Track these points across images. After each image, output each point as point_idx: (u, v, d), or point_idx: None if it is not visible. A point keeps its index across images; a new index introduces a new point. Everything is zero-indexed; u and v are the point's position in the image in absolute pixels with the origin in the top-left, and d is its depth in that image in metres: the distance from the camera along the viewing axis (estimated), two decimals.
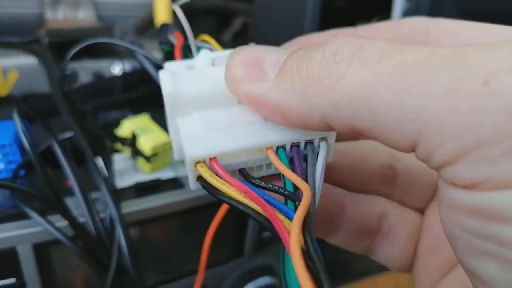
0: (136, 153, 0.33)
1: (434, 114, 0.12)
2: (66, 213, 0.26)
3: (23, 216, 0.27)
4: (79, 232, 0.26)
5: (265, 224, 0.15)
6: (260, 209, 0.16)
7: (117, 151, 0.35)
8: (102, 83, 0.41)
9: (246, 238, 0.37)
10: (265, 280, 0.39)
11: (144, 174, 0.33)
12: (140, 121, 0.34)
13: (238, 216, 0.36)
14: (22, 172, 0.31)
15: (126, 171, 0.33)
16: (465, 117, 0.12)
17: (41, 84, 0.40)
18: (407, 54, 0.13)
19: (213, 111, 0.19)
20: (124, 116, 0.36)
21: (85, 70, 0.41)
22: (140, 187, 0.31)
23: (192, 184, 0.18)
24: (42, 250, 0.28)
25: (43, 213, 0.27)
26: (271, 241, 0.39)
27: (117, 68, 0.42)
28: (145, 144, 0.32)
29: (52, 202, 0.26)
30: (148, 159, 0.32)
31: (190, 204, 0.32)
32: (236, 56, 0.17)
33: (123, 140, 0.33)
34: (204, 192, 0.19)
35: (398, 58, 0.13)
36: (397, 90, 0.13)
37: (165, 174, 0.33)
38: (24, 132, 0.26)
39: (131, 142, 0.33)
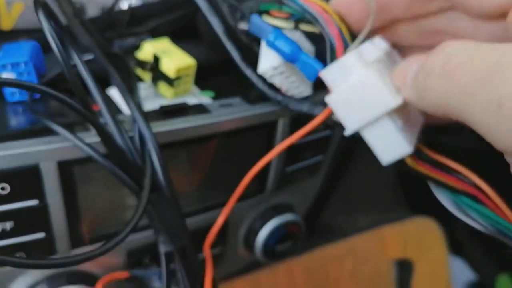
0: (158, 77, 0.31)
1: None
2: (100, 128, 0.24)
3: (45, 132, 0.26)
4: (112, 149, 0.25)
5: None
6: None
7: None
8: (111, 16, 0.38)
9: (269, 174, 0.36)
10: (288, 216, 0.38)
11: (167, 99, 0.32)
12: (161, 44, 0.32)
13: (264, 150, 0.35)
14: (37, 95, 0.29)
15: (148, 98, 0.32)
16: None
17: None
18: None
19: None
20: (141, 41, 0.34)
21: (92, 4, 0.39)
22: (165, 110, 0.29)
23: None
24: (66, 169, 0.26)
25: (70, 129, 0.25)
26: (294, 177, 0.38)
27: (125, 3, 0.40)
28: (169, 65, 0.30)
29: (89, 116, 0.24)
30: (171, 82, 0.31)
31: (216, 128, 0.30)
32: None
33: (144, 64, 0.31)
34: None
35: None
36: None
37: (190, 99, 0.32)
38: (51, 30, 0.24)
39: (152, 66, 0.31)
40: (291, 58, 0.24)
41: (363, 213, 0.64)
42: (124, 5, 0.40)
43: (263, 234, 0.38)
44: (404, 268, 0.64)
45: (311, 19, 0.23)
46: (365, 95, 0.20)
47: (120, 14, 0.39)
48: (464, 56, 0.16)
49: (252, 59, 0.29)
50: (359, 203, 0.67)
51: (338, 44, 0.22)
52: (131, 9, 0.39)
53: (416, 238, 0.64)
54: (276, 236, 0.38)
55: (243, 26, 0.28)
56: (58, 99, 0.24)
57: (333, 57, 0.22)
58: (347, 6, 0.22)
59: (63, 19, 0.29)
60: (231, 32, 0.29)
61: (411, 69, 0.19)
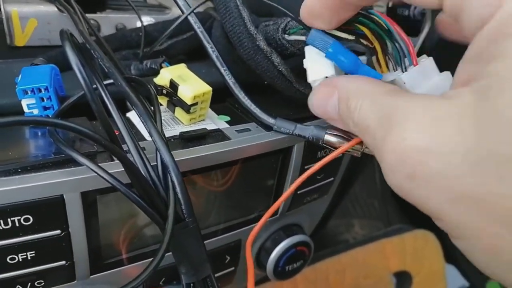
0: (175, 103, 0.31)
1: None
2: (123, 158, 0.24)
3: (69, 162, 0.26)
4: (135, 179, 0.25)
5: None
6: None
7: None
8: (125, 34, 0.38)
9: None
10: (298, 238, 0.39)
11: (184, 125, 0.32)
12: (178, 70, 0.32)
13: (278, 173, 0.35)
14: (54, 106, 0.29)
15: (165, 123, 0.32)
16: None
17: None
18: None
19: None
20: (158, 65, 0.34)
21: (106, 22, 0.39)
22: (186, 137, 0.30)
23: None
24: (90, 199, 0.26)
25: (92, 159, 0.25)
26: (305, 199, 0.38)
27: (138, 22, 0.39)
28: (186, 92, 0.30)
29: (111, 147, 0.24)
30: (188, 108, 0.31)
31: (236, 155, 0.31)
32: None
33: (160, 89, 0.31)
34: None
35: None
36: None
37: (207, 125, 0.32)
38: (78, 64, 0.24)
39: (169, 91, 0.31)
40: (351, 69, 0.24)
41: (363, 226, 0.65)
42: (138, 24, 0.40)
43: (274, 255, 0.38)
44: (403, 280, 0.65)
45: (380, 31, 0.23)
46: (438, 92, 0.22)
47: (134, 32, 0.39)
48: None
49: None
50: (358, 217, 0.68)
51: (412, 52, 0.23)
52: (145, 27, 0.39)
53: (415, 250, 0.65)
54: (287, 256, 0.39)
55: (291, 37, 0.29)
56: (81, 132, 0.24)
57: (403, 65, 0.24)
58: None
59: (80, 39, 0.29)
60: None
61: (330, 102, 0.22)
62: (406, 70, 0.23)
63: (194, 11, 0.33)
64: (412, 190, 0.16)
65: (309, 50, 0.26)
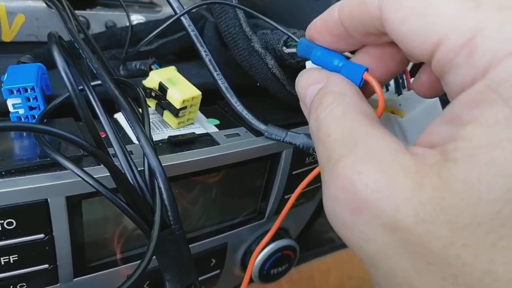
0: (163, 106, 0.31)
1: None
2: (109, 164, 0.24)
3: (54, 166, 0.25)
4: (122, 185, 0.24)
5: None
6: None
7: None
8: (114, 33, 0.38)
9: (269, 201, 0.37)
10: (284, 242, 0.39)
11: (172, 129, 0.31)
12: (167, 73, 0.32)
13: (266, 178, 0.35)
14: (44, 121, 0.29)
15: (153, 125, 0.31)
16: None
17: (50, 31, 0.36)
18: None
19: None
20: (147, 66, 0.33)
21: (96, 20, 0.39)
22: (174, 142, 0.29)
23: None
24: (74, 203, 0.26)
25: (78, 163, 0.25)
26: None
27: (129, 19, 0.39)
28: (175, 96, 0.30)
29: (97, 153, 0.24)
30: (176, 113, 0.30)
31: (225, 161, 0.30)
32: None
33: (149, 92, 0.31)
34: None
35: None
36: None
37: (196, 128, 0.32)
38: (65, 69, 0.23)
39: (158, 94, 0.31)
40: (336, 69, 0.24)
41: None
42: (127, 22, 0.40)
43: (260, 259, 0.38)
44: None
45: None
46: (430, 116, 0.21)
47: (124, 30, 0.38)
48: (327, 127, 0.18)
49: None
50: None
51: (408, 78, 0.24)
52: (135, 26, 0.38)
53: None
54: (272, 260, 0.39)
55: (288, 50, 0.29)
56: (66, 139, 0.23)
57: (399, 88, 0.25)
58: (324, 28, 0.22)
59: (68, 37, 0.28)
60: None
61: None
62: (401, 93, 0.23)
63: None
64: (353, 225, 0.16)
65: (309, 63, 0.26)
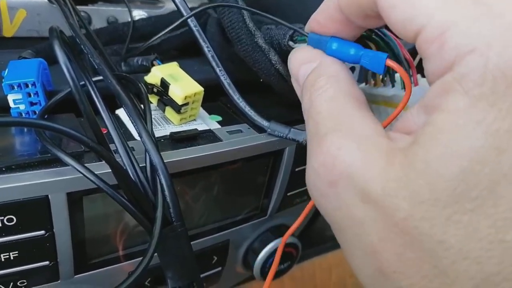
0: (165, 102, 0.31)
1: None
2: (111, 160, 0.24)
3: (54, 162, 0.25)
4: (123, 181, 0.24)
5: None
6: None
7: None
8: (116, 28, 0.37)
9: (272, 198, 0.36)
10: (288, 239, 0.39)
11: (174, 125, 0.31)
12: (169, 69, 0.32)
13: (269, 174, 0.35)
14: (45, 117, 0.28)
15: (155, 121, 0.31)
16: None
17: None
18: None
19: None
20: (150, 62, 0.33)
21: (97, 15, 0.38)
22: (176, 138, 0.29)
23: None
24: (75, 199, 0.26)
25: (79, 159, 0.25)
26: (294, 200, 0.38)
27: (131, 15, 0.39)
28: (177, 92, 0.30)
29: (98, 149, 0.23)
30: (178, 109, 0.30)
31: (228, 157, 0.30)
32: None
33: (151, 87, 0.31)
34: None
35: None
36: None
37: (198, 125, 0.31)
38: (66, 63, 0.23)
39: (160, 90, 0.31)
40: (355, 59, 0.23)
41: None
42: (129, 18, 0.39)
43: (262, 256, 0.38)
44: None
45: (387, 50, 0.23)
46: None
47: (126, 26, 0.38)
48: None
49: None
50: None
51: (414, 74, 0.23)
52: (137, 21, 0.38)
53: None
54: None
55: (296, 45, 0.29)
56: (68, 134, 0.23)
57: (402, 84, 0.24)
58: (324, 19, 0.22)
59: (70, 32, 0.28)
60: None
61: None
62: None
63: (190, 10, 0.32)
64: (329, 195, 0.17)
65: None
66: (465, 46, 0.14)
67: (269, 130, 0.31)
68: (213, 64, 0.31)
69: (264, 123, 0.31)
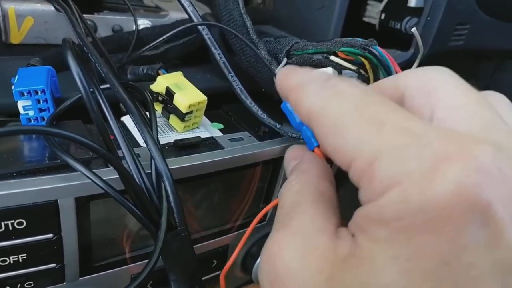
0: (169, 110, 0.32)
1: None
2: (118, 166, 0.24)
3: (63, 168, 0.26)
4: (130, 187, 0.25)
5: None
6: None
7: None
8: (121, 36, 0.38)
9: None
10: None
11: (178, 133, 0.32)
12: (174, 78, 0.33)
13: (269, 181, 0.36)
14: (53, 123, 0.29)
15: (160, 129, 0.32)
16: None
17: (58, 34, 0.37)
18: None
19: None
20: (155, 71, 0.34)
21: (103, 23, 0.39)
22: (180, 145, 0.30)
23: None
24: (83, 204, 0.26)
25: (87, 165, 0.26)
26: None
27: (136, 24, 0.39)
28: (182, 101, 0.31)
29: (107, 155, 0.24)
30: (182, 117, 0.31)
31: (229, 164, 0.31)
32: None
33: (156, 96, 0.32)
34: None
35: None
36: None
37: (201, 132, 0.32)
38: (79, 74, 0.24)
39: (164, 98, 0.32)
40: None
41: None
42: (134, 27, 0.40)
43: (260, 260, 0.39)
44: None
45: (379, 66, 0.24)
46: None
47: (131, 34, 0.39)
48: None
49: None
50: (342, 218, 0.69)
51: None
52: (142, 30, 0.39)
53: None
54: None
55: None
56: (78, 141, 0.24)
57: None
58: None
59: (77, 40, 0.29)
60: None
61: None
62: None
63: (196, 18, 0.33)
64: None
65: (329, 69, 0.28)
66: (389, 180, 0.15)
67: (282, 132, 0.32)
68: (225, 70, 0.32)
69: (276, 125, 0.32)
